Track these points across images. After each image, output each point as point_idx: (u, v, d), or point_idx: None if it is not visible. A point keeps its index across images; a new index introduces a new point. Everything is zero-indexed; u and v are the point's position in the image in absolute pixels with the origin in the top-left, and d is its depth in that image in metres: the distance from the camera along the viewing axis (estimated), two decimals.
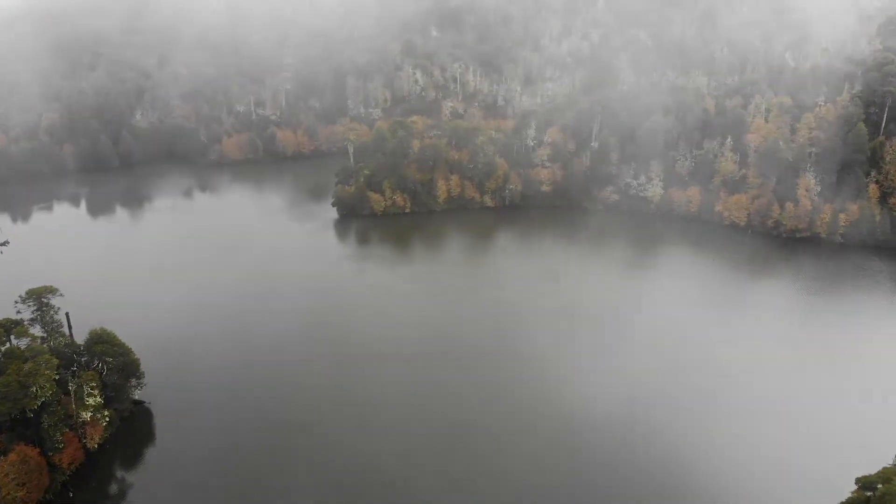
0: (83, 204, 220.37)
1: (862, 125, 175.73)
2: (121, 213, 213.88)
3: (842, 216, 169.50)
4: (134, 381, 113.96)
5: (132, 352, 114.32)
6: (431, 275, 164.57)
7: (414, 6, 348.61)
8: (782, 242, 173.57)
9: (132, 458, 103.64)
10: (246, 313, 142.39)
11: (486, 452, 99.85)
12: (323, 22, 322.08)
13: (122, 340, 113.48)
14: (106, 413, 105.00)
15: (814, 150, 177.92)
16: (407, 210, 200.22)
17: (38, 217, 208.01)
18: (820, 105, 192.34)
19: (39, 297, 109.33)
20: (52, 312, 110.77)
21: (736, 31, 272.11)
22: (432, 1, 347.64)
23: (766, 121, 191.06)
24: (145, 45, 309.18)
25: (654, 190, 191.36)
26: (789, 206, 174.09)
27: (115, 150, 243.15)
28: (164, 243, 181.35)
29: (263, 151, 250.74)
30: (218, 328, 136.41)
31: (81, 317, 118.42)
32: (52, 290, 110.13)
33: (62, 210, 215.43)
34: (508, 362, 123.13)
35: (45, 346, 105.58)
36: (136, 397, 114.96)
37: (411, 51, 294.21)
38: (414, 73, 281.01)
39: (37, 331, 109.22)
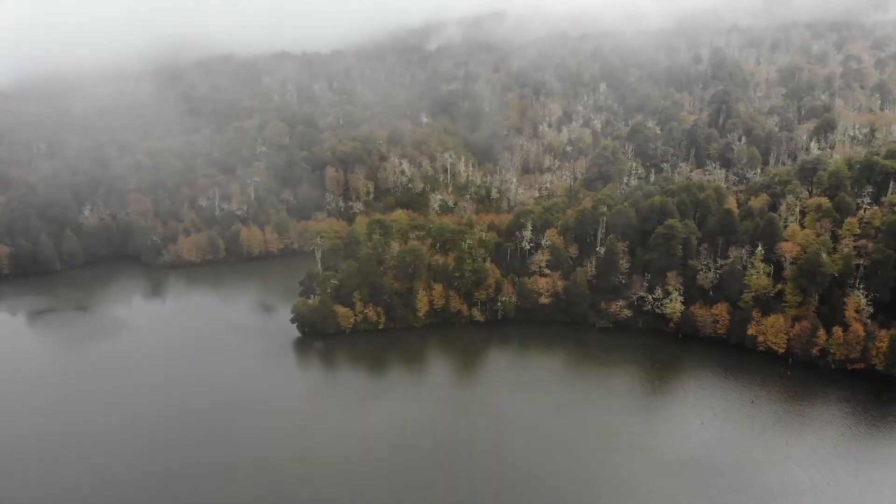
0: None
1: None
2: (32, 336, 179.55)
3: None
4: None
5: None
6: (410, 415, 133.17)
7: (405, 92, 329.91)
8: (831, 375, 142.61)
9: None
10: (168, 483, 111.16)
11: None
12: (306, 107, 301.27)
13: None
14: None
15: (862, 262, 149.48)
16: (381, 326, 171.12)
17: None
18: (865, 207, 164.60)
19: None
20: None
21: (753, 117, 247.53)
22: (424, 87, 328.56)
23: (802, 226, 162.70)
24: (116, 128, 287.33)
25: (673, 306, 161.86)
26: (837, 330, 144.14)
27: (56, 251, 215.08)
28: (78, 381, 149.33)
29: (225, 251, 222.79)
30: None
31: None
32: None
33: None
34: None
35: None
36: None
37: (399, 139, 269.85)
38: (400, 164, 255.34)
39: None
